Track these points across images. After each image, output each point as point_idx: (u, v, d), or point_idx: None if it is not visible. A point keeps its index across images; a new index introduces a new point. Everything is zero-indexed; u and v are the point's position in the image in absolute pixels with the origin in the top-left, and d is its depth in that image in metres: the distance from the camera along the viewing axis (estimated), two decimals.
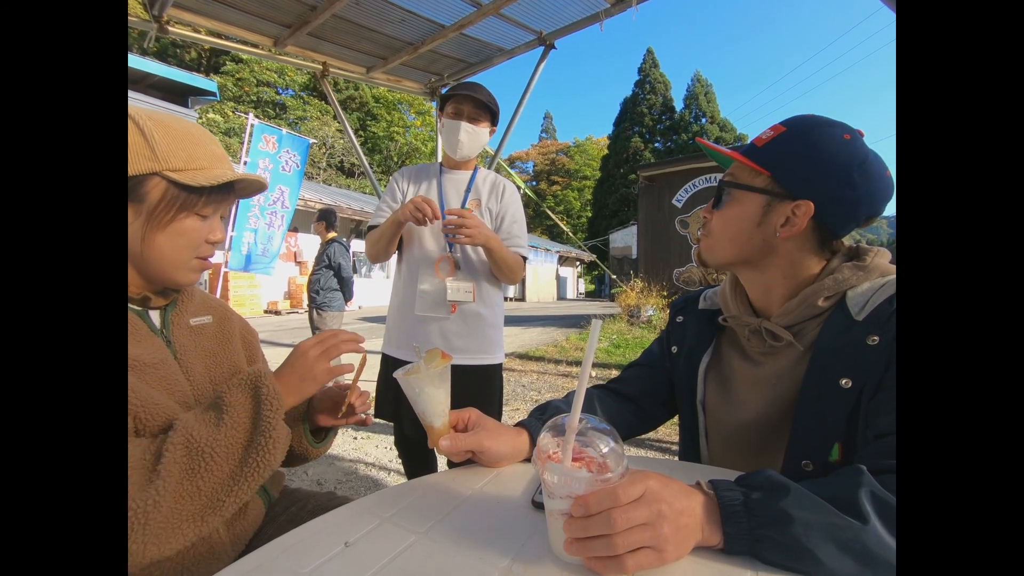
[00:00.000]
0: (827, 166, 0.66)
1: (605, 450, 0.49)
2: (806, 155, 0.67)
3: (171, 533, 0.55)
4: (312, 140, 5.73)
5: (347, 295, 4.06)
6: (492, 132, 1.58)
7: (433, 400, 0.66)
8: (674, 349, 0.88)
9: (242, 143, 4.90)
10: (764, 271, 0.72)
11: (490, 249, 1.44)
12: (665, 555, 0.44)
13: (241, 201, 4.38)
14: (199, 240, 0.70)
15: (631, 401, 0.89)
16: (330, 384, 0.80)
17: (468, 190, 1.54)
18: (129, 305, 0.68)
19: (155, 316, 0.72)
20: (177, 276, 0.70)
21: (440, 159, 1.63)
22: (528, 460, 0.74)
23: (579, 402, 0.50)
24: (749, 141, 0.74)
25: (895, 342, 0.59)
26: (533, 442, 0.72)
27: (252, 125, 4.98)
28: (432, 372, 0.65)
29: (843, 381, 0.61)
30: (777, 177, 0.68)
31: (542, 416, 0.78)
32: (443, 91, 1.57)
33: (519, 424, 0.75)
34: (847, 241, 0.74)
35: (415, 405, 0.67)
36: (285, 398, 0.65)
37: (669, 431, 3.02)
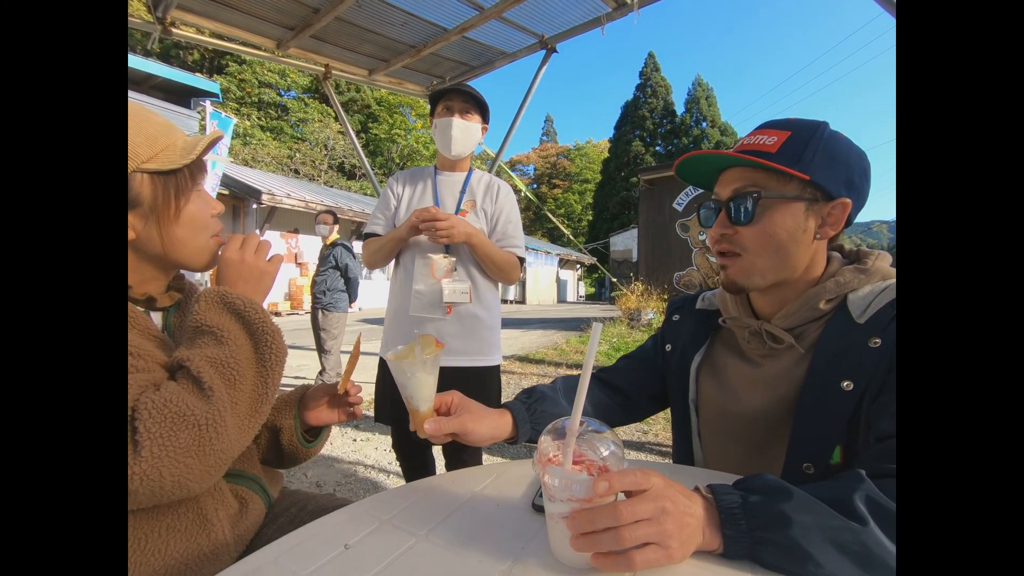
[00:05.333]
0: (852, 162, 0.67)
1: (605, 453, 0.49)
2: (834, 154, 0.66)
3: (240, 432, 0.60)
4: (235, 119, 6.84)
5: (352, 296, 4.06)
6: (485, 130, 1.58)
7: (423, 385, 0.66)
8: (668, 347, 0.88)
9: (205, 128, 5.51)
10: (790, 279, 0.70)
11: (472, 246, 1.44)
12: (671, 552, 0.44)
13: None
14: (207, 217, 0.70)
15: (619, 392, 0.90)
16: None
17: (463, 192, 1.54)
18: (134, 306, 0.68)
19: (157, 319, 0.72)
20: (202, 261, 0.71)
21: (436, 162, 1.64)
22: (512, 441, 0.76)
23: (579, 405, 0.50)
24: (733, 150, 0.70)
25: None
26: (516, 423, 0.75)
27: (209, 112, 5.61)
28: (426, 358, 0.65)
29: (845, 383, 0.61)
30: (817, 179, 0.65)
31: (527, 399, 0.79)
32: (432, 97, 1.58)
33: (503, 405, 0.77)
34: (847, 244, 0.74)
35: (403, 389, 0.67)
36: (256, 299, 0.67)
37: (669, 435, 3.02)
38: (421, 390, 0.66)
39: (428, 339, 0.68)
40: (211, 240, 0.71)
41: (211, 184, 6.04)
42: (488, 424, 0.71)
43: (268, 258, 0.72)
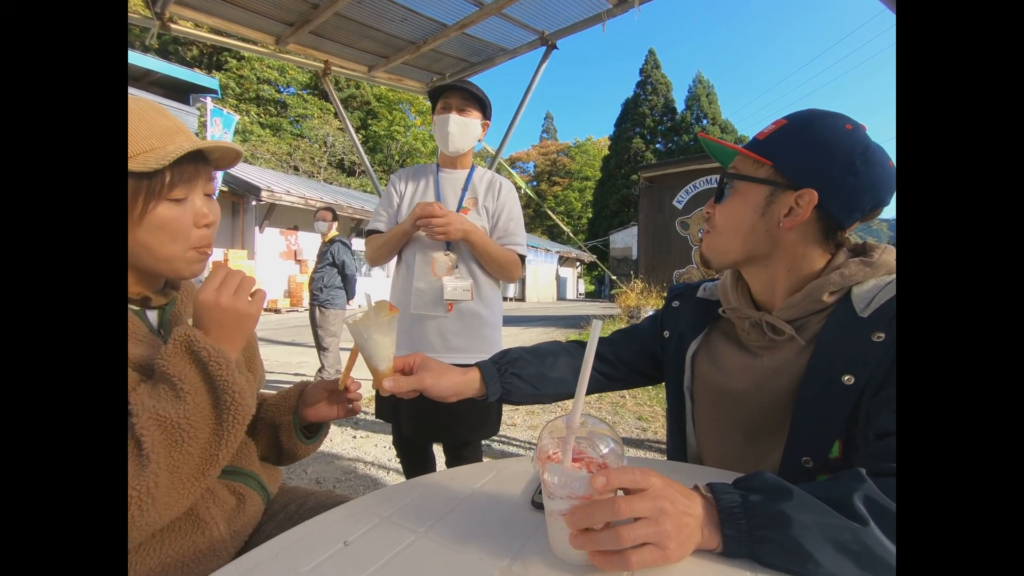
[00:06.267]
0: (830, 154, 0.65)
1: (605, 451, 0.49)
2: (808, 144, 0.67)
3: (178, 496, 0.57)
4: (237, 116, 6.89)
5: (350, 293, 4.07)
6: (486, 126, 1.57)
7: (379, 346, 0.71)
8: (666, 334, 0.89)
9: (205, 125, 5.46)
10: (768, 265, 0.72)
11: (471, 243, 1.44)
12: (668, 552, 0.44)
13: None
14: (184, 228, 0.66)
15: (604, 361, 0.91)
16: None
17: (465, 189, 1.54)
18: (129, 306, 0.67)
19: (153, 316, 0.71)
20: (174, 269, 0.67)
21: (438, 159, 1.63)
22: (482, 398, 0.80)
23: (579, 403, 0.51)
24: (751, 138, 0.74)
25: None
26: (484, 380, 0.80)
27: (209, 109, 5.62)
28: (380, 321, 0.70)
29: (846, 378, 0.61)
30: (779, 166, 0.67)
31: (500, 359, 0.83)
32: (431, 93, 1.57)
33: (475, 364, 0.82)
34: (852, 238, 0.74)
35: (362, 350, 0.72)
36: (226, 350, 0.62)
37: None
38: (378, 350, 0.71)
39: (382, 304, 0.73)
40: (190, 252, 0.68)
41: (216, 184, 6.07)
42: (451, 380, 0.76)
43: (251, 295, 0.66)
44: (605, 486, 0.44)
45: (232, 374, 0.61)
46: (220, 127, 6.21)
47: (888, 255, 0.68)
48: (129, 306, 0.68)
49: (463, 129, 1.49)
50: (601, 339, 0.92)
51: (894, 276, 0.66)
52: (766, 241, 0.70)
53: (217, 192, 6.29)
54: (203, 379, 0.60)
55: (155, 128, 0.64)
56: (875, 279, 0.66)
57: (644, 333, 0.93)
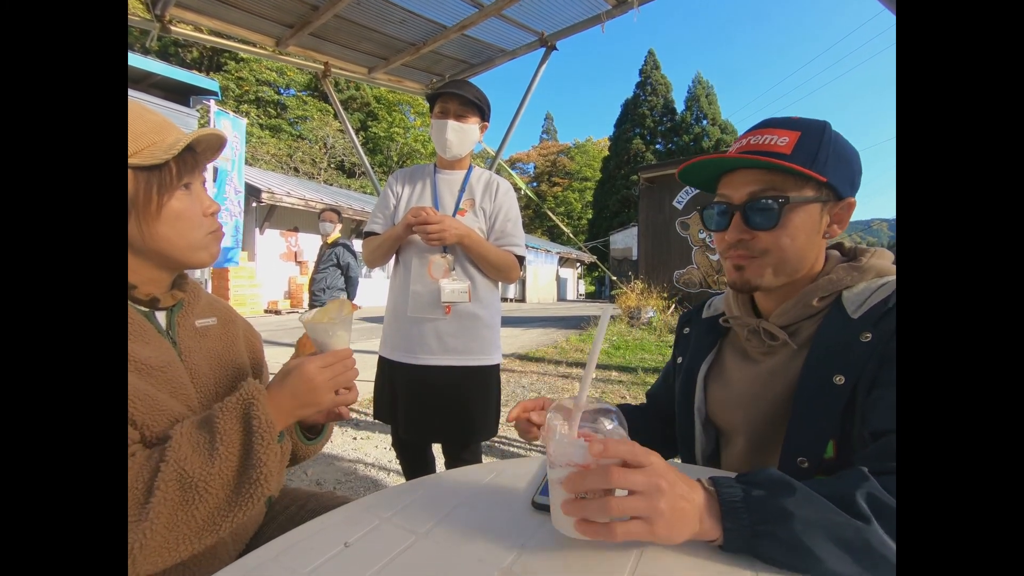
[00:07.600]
0: (853, 162, 0.68)
1: (609, 427, 0.51)
2: (841, 154, 0.67)
3: (168, 554, 0.55)
4: (245, 119, 6.85)
5: (351, 295, 4.09)
6: (484, 128, 1.56)
7: (343, 342, 0.72)
8: (680, 360, 0.89)
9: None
10: (796, 278, 0.71)
11: (467, 247, 1.44)
12: (656, 529, 0.44)
13: None
14: (197, 216, 0.69)
15: (662, 421, 0.91)
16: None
17: (462, 190, 1.54)
18: (137, 307, 0.68)
19: (161, 317, 0.72)
20: (197, 257, 0.70)
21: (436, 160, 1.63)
22: None
23: (587, 382, 0.52)
24: (738, 150, 0.70)
25: (889, 340, 0.60)
26: None
27: (213, 113, 5.56)
28: (345, 318, 0.71)
29: (836, 378, 0.62)
30: (832, 181, 0.66)
31: None
32: (430, 97, 1.57)
33: None
34: (847, 242, 0.75)
35: (324, 348, 0.71)
36: (277, 422, 0.62)
37: None
38: (334, 344, 0.71)
39: (343, 302, 0.74)
40: (205, 238, 0.71)
41: (233, 188, 6.02)
42: None
43: (339, 393, 0.67)
44: (602, 452, 0.45)
45: (269, 453, 0.60)
46: (229, 130, 6.17)
47: (877, 259, 0.69)
48: (138, 308, 0.68)
49: (461, 136, 1.49)
50: (647, 401, 0.97)
51: (886, 279, 0.67)
52: (814, 256, 0.70)
53: (243, 194, 6.21)
54: (241, 446, 0.59)
55: (150, 123, 0.65)
56: (865, 282, 0.67)
57: (670, 373, 0.94)
